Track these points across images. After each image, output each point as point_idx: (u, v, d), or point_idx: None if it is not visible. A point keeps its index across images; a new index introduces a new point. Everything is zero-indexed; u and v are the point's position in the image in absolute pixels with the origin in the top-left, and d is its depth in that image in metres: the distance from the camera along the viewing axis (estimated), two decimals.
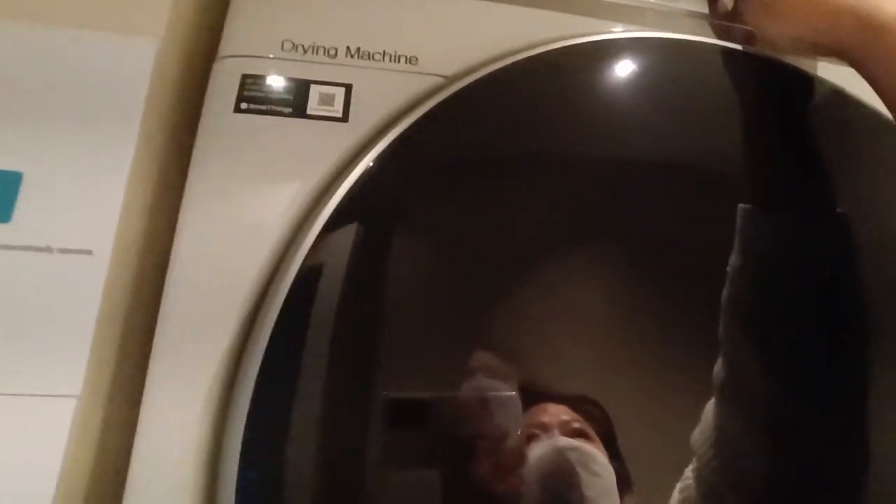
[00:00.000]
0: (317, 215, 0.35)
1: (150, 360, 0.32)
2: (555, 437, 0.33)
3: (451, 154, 0.39)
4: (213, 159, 0.37)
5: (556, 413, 0.34)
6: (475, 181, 0.39)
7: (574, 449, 0.33)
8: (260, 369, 0.32)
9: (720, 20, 0.48)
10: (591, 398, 0.35)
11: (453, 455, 0.33)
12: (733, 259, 0.38)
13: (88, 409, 0.31)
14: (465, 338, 0.35)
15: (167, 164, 0.39)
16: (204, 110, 0.38)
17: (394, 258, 0.36)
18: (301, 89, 0.39)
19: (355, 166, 0.37)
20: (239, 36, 0.40)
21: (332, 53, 0.40)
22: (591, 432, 0.34)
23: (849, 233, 0.39)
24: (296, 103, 0.38)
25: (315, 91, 0.39)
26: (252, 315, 0.34)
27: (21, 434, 0.29)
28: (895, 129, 0.41)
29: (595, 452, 0.33)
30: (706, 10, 0.50)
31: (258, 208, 0.36)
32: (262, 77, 0.39)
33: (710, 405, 0.36)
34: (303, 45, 0.40)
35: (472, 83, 0.39)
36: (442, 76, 0.41)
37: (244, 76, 0.38)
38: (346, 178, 0.36)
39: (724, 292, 0.38)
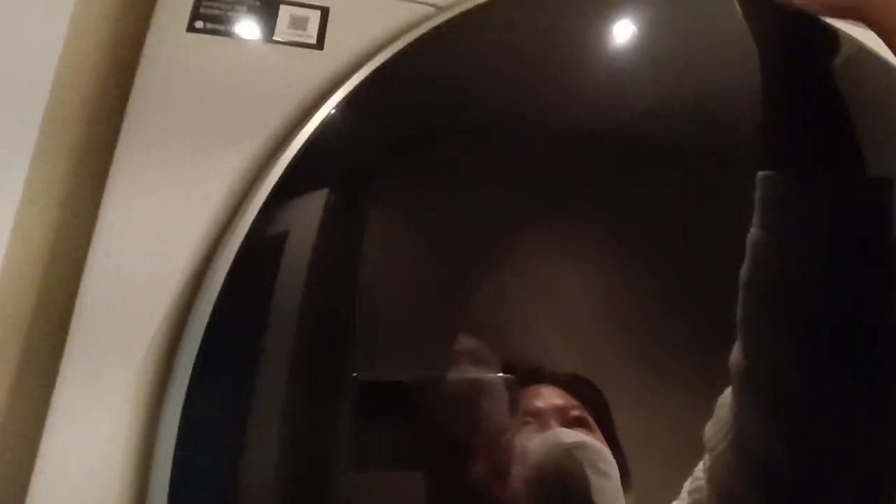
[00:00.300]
0: (265, 177, 0.31)
1: (64, 352, 0.28)
2: (555, 429, 0.30)
3: (433, 99, 0.36)
4: (157, 89, 0.32)
5: (550, 397, 0.31)
6: (456, 135, 0.35)
7: (581, 446, 0.30)
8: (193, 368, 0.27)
9: None
10: (585, 378, 0.32)
11: (437, 450, 0.30)
12: (754, 233, 0.34)
13: None
14: (444, 316, 0.32)
15: (93, 111, 0.33)
16: (150, 27, 0.33)
17: (358, 226, 0.32)
18: (269, 9, 0.35)
19: (326, 103, 0.32)
20: None
21: None
22: (591, 420, 0.31)
23: (889, 199, 0.35)
24: (262, 25, 0.34)
25: (285, 12, 0.35)
26: (187, 298, 0.29)
27: None
28: None
29: (601, 448, 0.30)
30: None
31: (205, 160, 0.31)
32: None
33: (726, 396, 0.32)
34: None
35: (463, 13, 0.35)
36: (433, 5, 0.36)
37: None
38: (310, 120, 0.32)
39: (744, 269, 0.34)
